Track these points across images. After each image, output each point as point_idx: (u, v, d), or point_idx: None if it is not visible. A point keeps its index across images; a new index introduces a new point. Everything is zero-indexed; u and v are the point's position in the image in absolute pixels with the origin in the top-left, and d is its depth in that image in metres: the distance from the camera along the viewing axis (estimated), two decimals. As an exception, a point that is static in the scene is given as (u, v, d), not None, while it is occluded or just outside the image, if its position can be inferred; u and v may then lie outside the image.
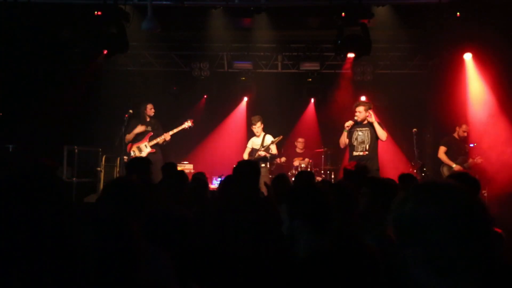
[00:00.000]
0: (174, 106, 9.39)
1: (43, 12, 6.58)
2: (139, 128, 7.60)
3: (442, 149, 7.25)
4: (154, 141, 7.65)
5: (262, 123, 7.81)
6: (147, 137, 7.69)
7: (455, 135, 7.30)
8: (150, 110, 7.77)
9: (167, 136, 7.66)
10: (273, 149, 7.68)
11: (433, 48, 8.08)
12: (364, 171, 4.55)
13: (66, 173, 7.75)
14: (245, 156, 7.82)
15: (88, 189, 8.05)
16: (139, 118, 7.78)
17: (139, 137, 7.71)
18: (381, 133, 6.30)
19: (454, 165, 7.02)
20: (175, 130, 7.74)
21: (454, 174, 3.78)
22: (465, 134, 7.26)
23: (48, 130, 7.86)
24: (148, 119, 7.78)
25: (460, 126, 7.30)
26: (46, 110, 8.07)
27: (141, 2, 6.27)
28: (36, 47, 7.35)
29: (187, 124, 7.82)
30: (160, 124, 7.92)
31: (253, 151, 7.82)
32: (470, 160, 7.02)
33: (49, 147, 7.54)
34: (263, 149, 7.59)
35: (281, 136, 7.76)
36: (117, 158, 8.17)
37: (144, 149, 7.64)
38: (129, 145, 7.67)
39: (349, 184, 3.00)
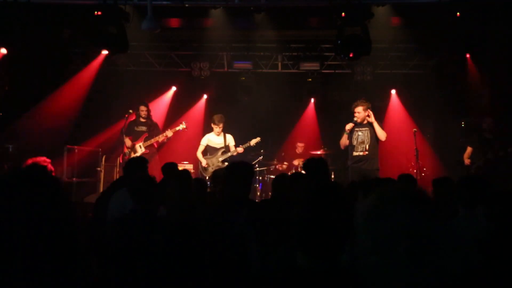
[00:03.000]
0: (174, 106, 9.40)
1: (43, 12, 6.58)
2: (127, 141, 7.64)
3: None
4: (149, 142, 7.69)
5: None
6: (142, 138, 7.75)
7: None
8: (142, 112, 7.82)
9: (169, 133, 7.70)
10: (240, 149, 7.71)
11: (433, 48, 8.08)
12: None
13: (66, 173, 7.76)
14: (199, 154, 7.79)
15: (88, 189, 8.07)
16: (135, 120, 7.83)
17: (135, 138, 7.75)
18: (381, 133, 6.29)
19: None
20: (171, 130, 7.78)
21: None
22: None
23: (48, 130, 7.86)
24: (144, 121, 7.82)
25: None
26: (46, 110, 8.08)
27: (141, 2, 6.26)
28: (37, 47, 7.34)
29: (181, 126, 7.85)
30: (157, 125, 7.95)
31: (210, 149, 7.79)
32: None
33: (49, 147, 7.54)
34: (242, 146, 7.65)
35: (259, 138, 7.80)
36: (117, 158, 8.18)
37: (139, 149, 7.68)
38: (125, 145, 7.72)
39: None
